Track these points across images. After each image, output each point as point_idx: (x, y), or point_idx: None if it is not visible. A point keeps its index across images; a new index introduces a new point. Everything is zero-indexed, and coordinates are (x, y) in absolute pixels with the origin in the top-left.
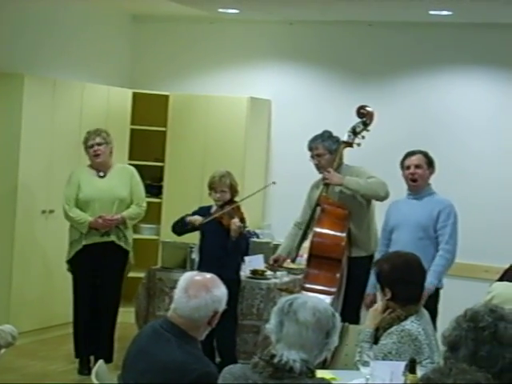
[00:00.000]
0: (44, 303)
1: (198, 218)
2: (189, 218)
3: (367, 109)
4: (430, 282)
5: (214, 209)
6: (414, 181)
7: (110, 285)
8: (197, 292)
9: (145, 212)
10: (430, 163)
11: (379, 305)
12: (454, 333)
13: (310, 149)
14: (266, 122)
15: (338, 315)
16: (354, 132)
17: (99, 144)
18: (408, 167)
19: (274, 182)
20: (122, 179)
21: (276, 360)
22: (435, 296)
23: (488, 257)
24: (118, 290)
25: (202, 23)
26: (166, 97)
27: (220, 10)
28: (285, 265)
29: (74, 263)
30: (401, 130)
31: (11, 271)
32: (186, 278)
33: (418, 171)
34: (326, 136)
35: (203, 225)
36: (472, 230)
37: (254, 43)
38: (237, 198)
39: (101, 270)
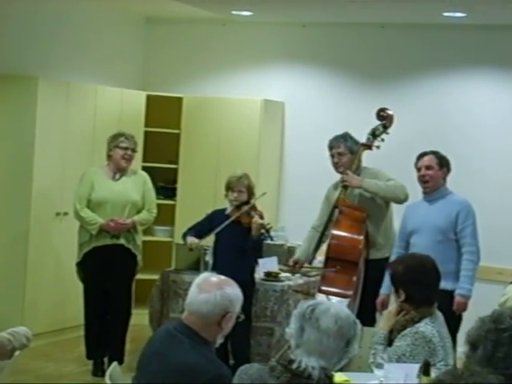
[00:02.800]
0: (58, 305)
1: (193, 241)
2: (189, 240)
3: (387, 112)
4: (467, 289)
5: (228, 210)
6: (425, 182)
7: (120, 287)
8: (208, 287)
9: (154, 218)
10: (442, 163)
11: (393, 307)
12: (476, 332)
13: (331, 147)
14: (280, 124)
15: (359, 322)
16: (374, 134)
17: (133, 150)
18: (419, 169)
19: (264, 193)
20: (136, 184)
21: (294, 366)
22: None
23: (502, 259)
24: (128, 293)
25: (216, 25)
26: (180, 99)
27: (233, 12)
28: (303, 270)
29: (84, 265)
30: (414, 132)
31: (25, 273)
32: (202, 276)
33: (429, 172)
34: (348, 137)
35: (217, 233)
36: (486, 232)
37: (267, 45)
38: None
39: (110, 272)
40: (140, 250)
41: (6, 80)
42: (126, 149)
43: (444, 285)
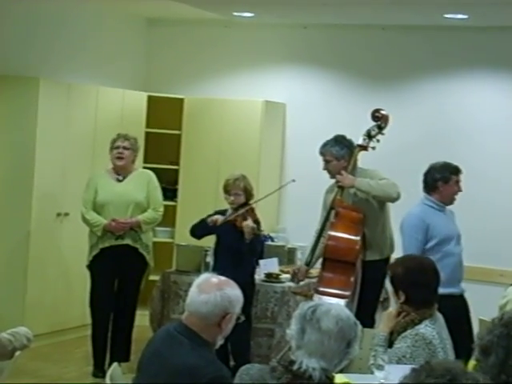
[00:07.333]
0: (59, 306)
1: (218, 218)
2: (210, 218)
3: (382, 112)
4: None
5: (229, 212)
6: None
7: (128, 287)
8: (208, 288)
9: (161, 217)
10: None
11: (393, 308)
12: (487, 337)
13: (320, 154)
14: (281, 125)
15: (359, 324)
16: (369, 135)
17: (125, 148)
18: (457, 182)
19: (293, 180)
20: (139, 184)
21: (295, 367)
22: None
23: (503, 261)
24: (136, 293)
25: (217, 27)
26: (181, 100)
27: (235, 14)
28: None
29: (93, 267)
30: (415, 134)
31: (26, 274)
32: (203, 277)
33: None
34: (334, 141)
35: (218, 226)
36: (487, 234)
37: (269, 47)
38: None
39: (119, 272)
40: (149, 250)
41: (8, 81)
42: (118, 147)
43: (450, 290)
